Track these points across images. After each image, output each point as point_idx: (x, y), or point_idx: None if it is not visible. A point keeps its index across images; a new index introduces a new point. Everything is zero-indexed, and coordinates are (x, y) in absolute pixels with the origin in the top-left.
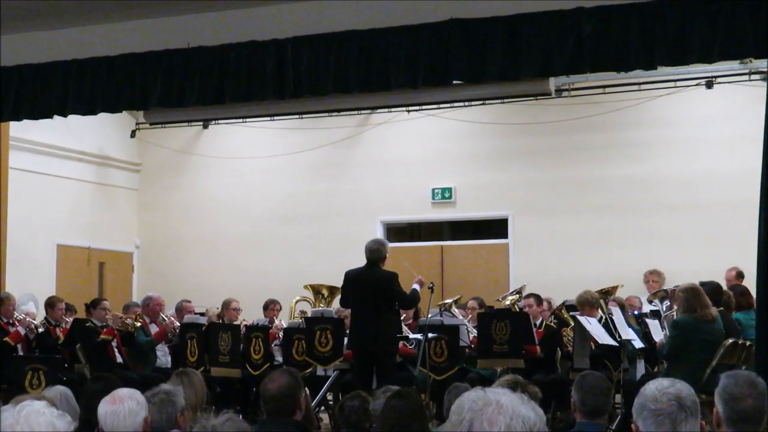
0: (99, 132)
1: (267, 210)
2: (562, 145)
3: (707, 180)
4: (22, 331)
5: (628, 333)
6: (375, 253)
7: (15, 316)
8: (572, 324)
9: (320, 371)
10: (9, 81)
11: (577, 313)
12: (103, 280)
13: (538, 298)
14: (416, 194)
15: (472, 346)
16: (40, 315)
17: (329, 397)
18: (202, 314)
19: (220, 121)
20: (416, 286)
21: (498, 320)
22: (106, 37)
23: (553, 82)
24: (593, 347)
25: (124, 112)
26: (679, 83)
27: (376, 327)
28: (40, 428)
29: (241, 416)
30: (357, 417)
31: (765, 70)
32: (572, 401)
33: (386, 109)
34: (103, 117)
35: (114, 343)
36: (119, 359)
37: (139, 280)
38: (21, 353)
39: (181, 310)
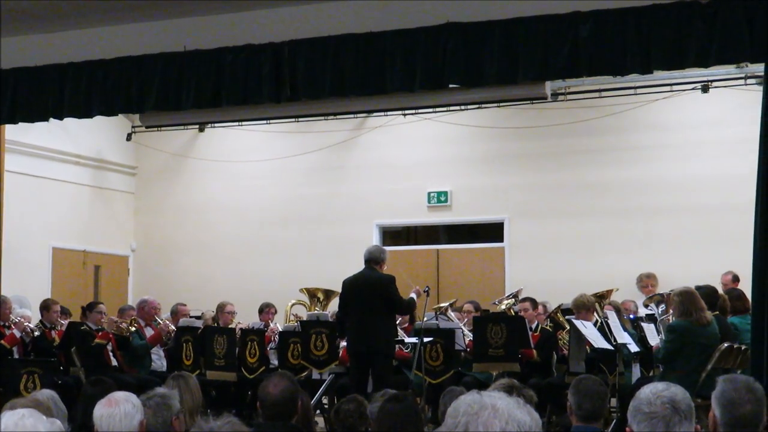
0: (95, 135)
1: (263, 213)
2: (559, 149)
3: (703, 184)
4: (18, 334)
5: (623, 337)
6: (374, 254)
7: (11, 319)
8: (568, 328)
9: (316, 375)
10: (5, 84)
11: (573, 316)
12: (98, 283)
13: (534, 302)
14: (412, 198)
15: (468, 349)
16: (33, 317)
17: (324, 400)
18: (197, 317)
19: (216, 125)
20: (413, 295)
21: (493, 324)
22: (102, 40)
23: (549, 86)
24: (589, 351)
25: (120, 115)
26: (675, 87)
27: (372, 330)
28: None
29: (237, 419)
30: (353, 420)
31: (761, 74)
32: (568, 405)
33: (383, 113)
34: (99, 120)
35: (109, 347)
36: (114, 363)
37: (135, 283)
38: (16, 356)
39: (176, 313)
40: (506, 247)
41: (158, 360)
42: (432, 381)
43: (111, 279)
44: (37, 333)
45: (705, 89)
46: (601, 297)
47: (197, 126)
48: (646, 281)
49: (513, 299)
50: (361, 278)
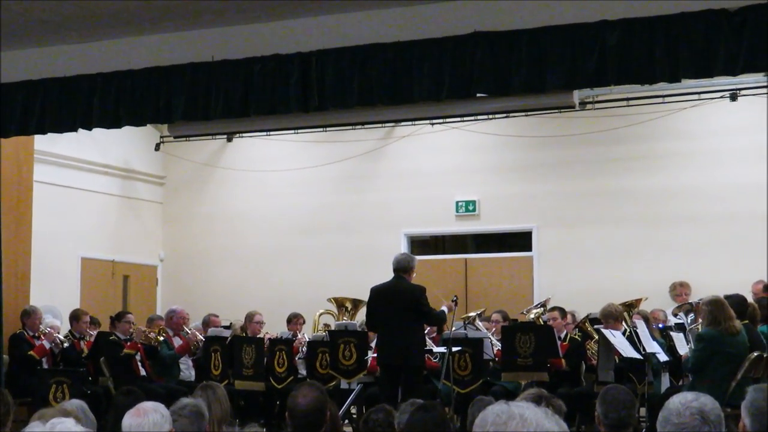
0: (123, 145)
1: (291, 223)
2: (586, 158)
3: (732, 192)
4: (47, 345)
5: (652, 346)
6: (402, 263)
7: (41, 329)
8: (596, 337)
9: (344, 384)
10: (35, 95)
11: (601, 326)
12: (127, 293)
13: (563, 311)
14: (440, 207)
15: (496, 359)
16: (63, 327)
17: (353, 410)
18: (226, 327)
19: (244, 134)
20: (444, 309)
21: (522, 333)
22: (131, 50)
23: (577, 95)
24: (617, 360)
25: (148, 125)
26: (703, 95)
27: (404, 342)
28: None
29: (264, 429)
30: (381, 430)
31: None
32: (596, 414)
33: (410, 122)
34: (127, 130)
35: (137, 357)
36: (143, 372)
37: (163, 293)
38: (45, 366)
39: (208, 323)
40: (534, 256)
41: (186, 370)
42: (460, 390)
43: (140, 289)
44: (66, 344)
45: (733, 97)
46: (630, 306)
47: (225, 136)
48: (679, 290)
49: (541, 308)
50: (391, 288)
